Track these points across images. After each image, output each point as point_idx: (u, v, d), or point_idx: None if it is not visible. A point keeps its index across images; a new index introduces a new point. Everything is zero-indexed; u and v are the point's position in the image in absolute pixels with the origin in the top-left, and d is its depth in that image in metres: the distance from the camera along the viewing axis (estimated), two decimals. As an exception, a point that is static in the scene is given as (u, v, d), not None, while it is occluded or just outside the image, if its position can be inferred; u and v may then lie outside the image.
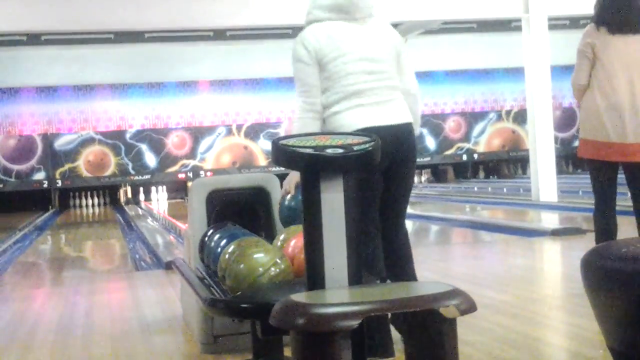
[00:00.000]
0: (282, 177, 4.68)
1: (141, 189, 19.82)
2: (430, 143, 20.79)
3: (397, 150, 3.64)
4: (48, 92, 18.99)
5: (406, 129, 3.70)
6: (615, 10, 4.76)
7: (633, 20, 4.78)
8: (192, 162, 19.55)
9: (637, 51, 4.78)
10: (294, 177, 3.67)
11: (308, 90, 3.58)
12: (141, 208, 17.98)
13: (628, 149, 4.74)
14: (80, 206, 19.35)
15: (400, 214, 3.91)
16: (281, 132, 19.48)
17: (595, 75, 4.81)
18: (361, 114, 3.55)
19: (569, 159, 20.87)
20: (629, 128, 4.73)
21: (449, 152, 20.95)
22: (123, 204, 19.31)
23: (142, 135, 19.36)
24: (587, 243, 5.07)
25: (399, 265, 3.88)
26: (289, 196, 3.82)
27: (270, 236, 4.21)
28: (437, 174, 21.34)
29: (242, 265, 3.31)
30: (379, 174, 3.71)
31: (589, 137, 4.83)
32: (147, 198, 19.73)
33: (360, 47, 3.56)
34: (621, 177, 4.89)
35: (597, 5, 4.87)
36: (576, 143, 22.13)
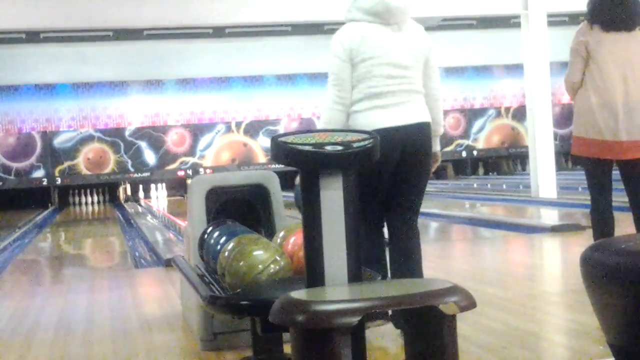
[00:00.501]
0: (281, 175, 4.69)
1: (140, 186, 19.82)
2: (430, 140, 20.78)
3: (406, 148, 3.79)
4: (47, 89, 18.99)
5: (420, 127, 3.81)
6: (608, 8, 4.75)
7: (626, 17, 4.77)
8: (191, 160, 19.55)
9: (631, 49, 4.77)
10: None
11: (340, 84, 3.83)
12: (141, 205, 17.99)
13: (621, 147, 4.74)
14: (80, 204, 19.36)
15: (410, 211, 3.95)
16: (280, 129, 19.48)
17: (588, 73, 4.80)
18: (377, 116, 3.77)
19: (569, 156, 20.87)
20: (622, 126, 4.72)
21: (448, 149, 20.95)
22: (122, 201, 19.31)
23: (142, 132, 19.36)
24: (587, 239, 5.08)
25: (405, 264, 3.87)
26: None
27: (270, 233, 4.21)
28: (437, 170, 21.31)
29: (241, 263, 3.31)
30: (388, 172, 3.76)
31: (583, 135, 4.83)
32: (147, 195, 19.73)
33: (388, 53, 3.78)
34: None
35: (590, 3, 4.85)
36: (575, 139, 22.07)
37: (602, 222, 4.85)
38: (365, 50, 3.77)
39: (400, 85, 3.82)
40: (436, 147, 4.16)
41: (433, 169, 4.19)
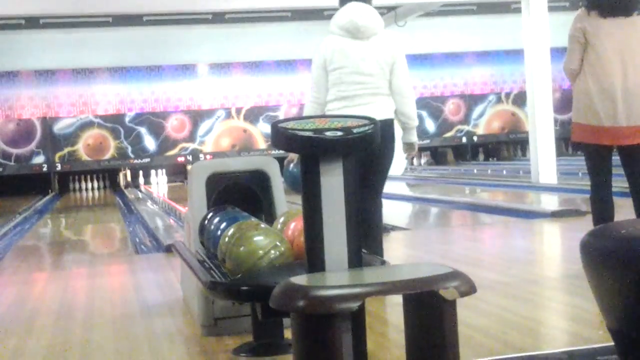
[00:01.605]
0: (281, 160, 4.69)
1: (141, 172, 19.81)
2: (430, 125, 20.77)
3: None
4: (47, 75, 18.95)
5: (382, 124, 4.19)
6: None
7: (624, 3, 4.78)
8: (191, 146, 19.54)
9: (629, 34, 4.78)
10: None
11: (317, 88, 4.66)
12: (141, 191, 17.99)
13: (620, 132, 4.76)
14: (80, 190, 19.36)
15: (373, 190, 4.86)
16: (280, 115, 19.46)
17: (587, 60, 4.82)
18: (346, 114, 4.37)
19: (569, 141, 20.83)
20: (621, 111, 4.74)
21: (448, 135, 20.93)
22: (123, 187, 19.31)
23: (142, 118, 19.34)
24: (587, 224, 5.08)
25: (368, 235, 4.72)
26: (292, 164, 4.94)
27: (270, 219, 4.22)
28: (437, 156, 21.34)
29: (242, 248, 3.32)
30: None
31: (582, 121, 4.85)
32: (147, 181, 19.73)
33: (356, 63, 4.58)
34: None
35: None
36: (576, 125, 22.03)
37: (602, 208, 4.87)
38: (336, 61, 4.58)
39: (365, 90, 4.60)
40: (411, 138, 4.91)
41: (410, 156, 5.57)
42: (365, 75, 4.58)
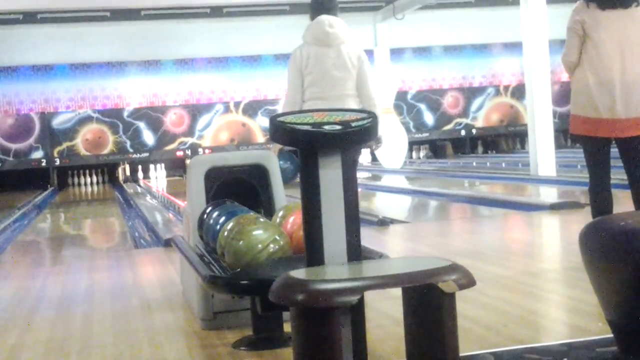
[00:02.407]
0: (280, 154, 4.68)
1: (140, 166, 19.80)
2: (429, 118, 20.76)
3: None
4: (45, 70, 18.93)
5: None
6: None
7: None
8: (190, 140, 19.52)
9: (627, 26, 4.77)
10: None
11: (294, 88, 5.16)
12: (140, 186, 17.99)
13: (619, 124, 4.76)
14: (79, 184, 19.35)
15: None
16: (279, 108, 19.44)
17: (585, 52, 4.82)
18: None
19: (568, 134, 20.80)
20: (620, 103, 4.73)
21: (447, 128, 20.92)
22: (122, 182, 19.30)
23: (140, 113, 19.32)
24: (586, 217, 5.08)
25: None
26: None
27: (269, 213, 4.22)
28: (436, 149, 21.34)
29: (241, 242, 3.32)
30: None
31: (581, 114, 4.86)
32: (146, 176, 19.72)
33: (326, 68, 5.10)
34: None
35: None
36: (574, 117, 21.97)
37: (600, 200, 4.88)
38: (310, 66, 5.11)
39: (334, 91, 5.10)
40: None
41: (375, 150, 5.32)
42: (335, 79, 5.13)
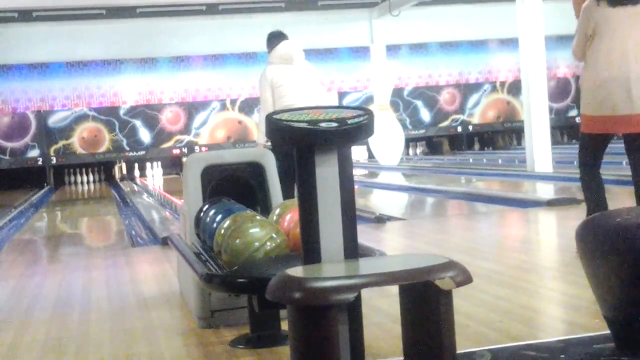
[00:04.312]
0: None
1: (136, 165, 19.79)
2: (425, 115, 20.77)
3: None
4: (40, 68, 18.90)
5: None
6: None
7: None
8: (186, 138, 19.51)
9: (637, 23, 4.83)
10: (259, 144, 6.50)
11: (267, 102, 6.42)
12: (136, 184, 17.97)
13: (633, 120, 4.80)
14: (76, 183, 19.33)
15: None
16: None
17: (597, 50, 4.87)
18: None
19: (564, 130, 20.87)
20: (635, 99, 4.77)
21: (443, 124, 20.93)
22: (118, 180, 19.29)
23: (136, 111, 19.30)
24: (582, 213, 5.09)
25: None
26: None
27: (266, 211, 4.22)
28: (432, 146, 21.34)
29: (238, 240, 3.32)
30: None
31: (596, 114, 4.88)
32: (142, 174, 19.71)
33: (292, 83, 6.40)
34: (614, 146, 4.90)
35: None
36: (571, 113, 22.09)
37: (597, 192, 4.97)
38: (278, 82, 6.38)
39: (300, 102, 6.26)
40: None
41: None
42: (300, 91, 6.37)
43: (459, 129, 21.05)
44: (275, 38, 6.65)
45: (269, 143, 6.78)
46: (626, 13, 4.84)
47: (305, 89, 6.43)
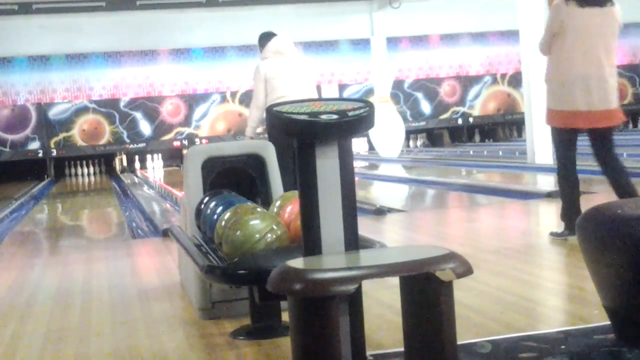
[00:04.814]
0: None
1: (136, 157, 19.79)
2: (426, 107, 20.75)
3: None
4: (41, 61, 18.89)
5: None
6: None
7: None
8: (187, 130, 19.51)
9: (603, 24, 5.09)
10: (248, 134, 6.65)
11: (258, 95, 6.51)
12: (137, 176, 17.98)
13: (595, 116, 5.08)
14: (76, 175, 19.34)
15: None
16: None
17: (562, 47, 5.11)
18: None
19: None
20: (595, 97, 5.05)
21: (444, 116, 20.92)
22: (119, 172, 19.30)
23: (137, 103, 19.30)
24: (583, 205, 5.09)
25: None
26: None
27: (267, 203, 4.22)
28: (433, 138, 21.33)
29: (238, 232, 3.32)
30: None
31: (557, 107, 5.15)
32: (143, 166, 19.71)
33: (285, 75, 6.48)
34: None
35: None
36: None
37: (571, 187, 5.25)
38: (272, 74, 6.46)
39: (295, 94, 6.32)
40: None
41: None
42: (293, 83, 6.46)
43: (460, 121, 21.04)
44: (266, 36, 6.83)
45: (261, 136, 6.88)
46: (593, 14, 5.07)
47: (299, 81, 6.53)
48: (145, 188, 14.30)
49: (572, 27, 5.05)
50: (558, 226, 5.60)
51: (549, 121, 5.27)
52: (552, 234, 5.46)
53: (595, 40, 5.06)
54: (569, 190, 5.26)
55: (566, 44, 5.08)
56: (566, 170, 5.25)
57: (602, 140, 5.19)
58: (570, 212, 5.22)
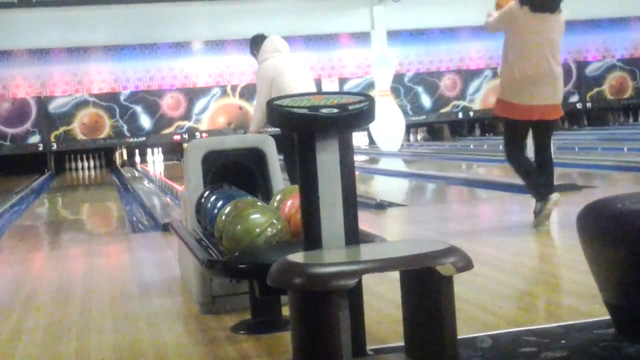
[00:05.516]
0: (277, 138, 4.68)
1: (137, 151, 19.79)
2: (426, 101, 20.74)
3: None
4: (41, 54, 18.88)
5: None
6: None
7: (551, 1, 5.60)
8: (187, 124, 19.50)
9: (552, 29, 5.61)
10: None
11: (262, 96, 6.42)
12: (137, 170, 17.98)
13: (546, 109, 5.63)
14: (76, 169, 19.35)
15: None
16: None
17: (516, 47, 5.66)
18: None
19: (565, 116, 20.84)
20: (544, 92, 5.59)
21: (444, 110, 20.91)
22: (119, 166, 19.30)
23: (137, 97, 19.29)
24: (583, 199, 5.08)
25: None
26: None
27: (267, 197, 4.22)
28: (433, 132, 21.33)
29: (239, 226, 3.32)
30: None
31: (509, 100, 5.70)
32: (143, 160, 19.71)
33: (290, 71, 6.50)
34: None
35: None
36: (572, 99, 22.08)
37: (526, 164, 5.86)
38: (277, 74, 6.46)
39: (301, 87, 6.25)
40: None
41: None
42: (296, 80, 6.44)
43: (460, 115, 21.04)
44: (258, 38, 6.87)
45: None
46: (543, 19, 5.59)
47: (304, 75, 6.59)
48: (146, 182, 14.31)
49: (524, 29, 5.59)
50: (558, 221, 5.61)
51: (501, 112, 5.84)
52: (535, 213, 5.83)
53: (546, 42, 5.59)
54: (524, 169, 5.82)
55: (517, 44, 5.63)
56: (517, 157, 5.86)
57: (545, 132, 5.80)
58: (536, 184, 5.79)
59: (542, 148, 5.90)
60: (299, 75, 6.51)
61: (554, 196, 5.69)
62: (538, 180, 5.77)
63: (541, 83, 5.59)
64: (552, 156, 6.04)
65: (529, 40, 5.60)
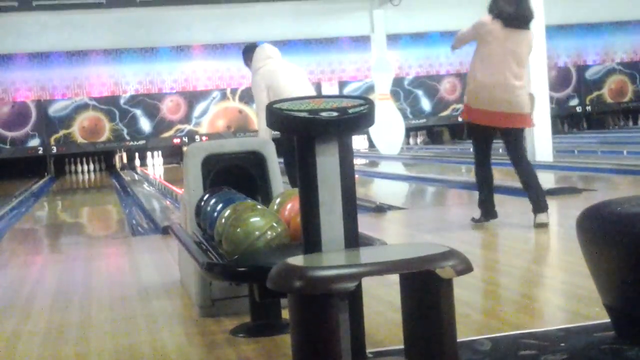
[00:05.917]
0: (277, 141, 4.69)
1: (137, 154, 19.78)
2: (426, 104, 20.75)
3: None
4: (41, 58, 18.88)
5: None
6: (514, 8, 5.96)
7: (522, 19, 5.99)
8: (187, 127, 19.50)
9: (519, 43, 5.99)
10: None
11: (262, 104, 6.17)
12: (137, 173, 17.97)
13: (501, 117, 5.93)
14: (76, 172, 19.34)
15: None
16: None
17: (485, 57, 6.03)
18: None
19: (565, 119, 20.85)
20: (512, 100, 5.91)
21: (444, 114, 20.91)
22: (119, 169, 19.29)
23: (137, 100, 19.29)
24: (583, 202, 5.09)
25: None
26: None
27: (267, 200, 4.22)
28: (433, 135, 21.33)
29: (238, 230, 3.32)
30: None
31: (476, 107, 6.02)
32: (143, 163, 19.70)
33: (283, 77, 6.52)
34: None
35: (495, 1, 6.01)
36: (572, 102, 22.06)
37: (486, 175, 6.23)
38: (273, 80, 6.48)
39: (299, 90, 6.20)
40: None
41: None
42: (292, 86, 6.41)
43: (460, 118, 21.02)
44: (250, 48, 6.88)
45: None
46: (513, 34, 5.95)
47: (300, 79, 6.62)
48: (145, 185, 14.30)
49: (494, 42, 5.94)
50: (558, 224, 5.61)
51: (465, 115, 6.27)
52: (472, 220, 6.34)
53: (509, 53, 5.94)
54: (484, 181, 6.23)
55: (486, 54, 6.00)
56: (482, 164, 6.25)
57: (514, 142, 6.10)
58: (486, 201, 6.26)
59: (517, 160, 6.16)
60: (294, 79, 6.54)
61: (542, 218, 5.91)
62: (530, 194, 6.07)
63: (494, 91, 5.93)
64: (534, 171, 6.31)
65: (493, 50, 5.97)
